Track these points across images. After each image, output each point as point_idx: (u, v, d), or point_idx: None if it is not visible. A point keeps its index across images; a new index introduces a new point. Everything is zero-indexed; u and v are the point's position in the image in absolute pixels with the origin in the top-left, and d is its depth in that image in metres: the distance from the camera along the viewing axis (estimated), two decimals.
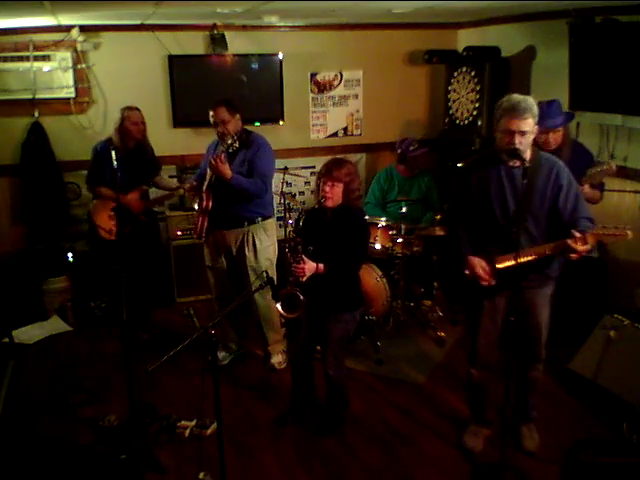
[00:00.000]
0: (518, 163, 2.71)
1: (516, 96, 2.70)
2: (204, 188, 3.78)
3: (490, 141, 2.93)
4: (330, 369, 3.23)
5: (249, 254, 3.85)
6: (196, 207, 3.90)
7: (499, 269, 2.78)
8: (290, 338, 3.41)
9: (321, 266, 3.01)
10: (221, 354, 4.05)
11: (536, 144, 3.24)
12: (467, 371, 3.16)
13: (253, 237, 3.84)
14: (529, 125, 2.65)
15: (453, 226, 3.04)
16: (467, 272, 2.85)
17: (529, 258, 2.71)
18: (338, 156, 3.31)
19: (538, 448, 3.10)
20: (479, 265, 2.81)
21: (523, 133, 2.65)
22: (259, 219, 3.85)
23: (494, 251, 2.80)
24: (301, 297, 2.99)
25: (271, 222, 3.99)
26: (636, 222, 4.03)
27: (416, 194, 4.90)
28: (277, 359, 4.05)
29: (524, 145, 2.67)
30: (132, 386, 3.17)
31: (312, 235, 3.16)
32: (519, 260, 2.66)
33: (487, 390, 3.13)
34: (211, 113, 3.73)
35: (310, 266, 3.00)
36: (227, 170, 3.58)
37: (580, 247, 2.55)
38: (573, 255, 2.60)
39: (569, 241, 2.56)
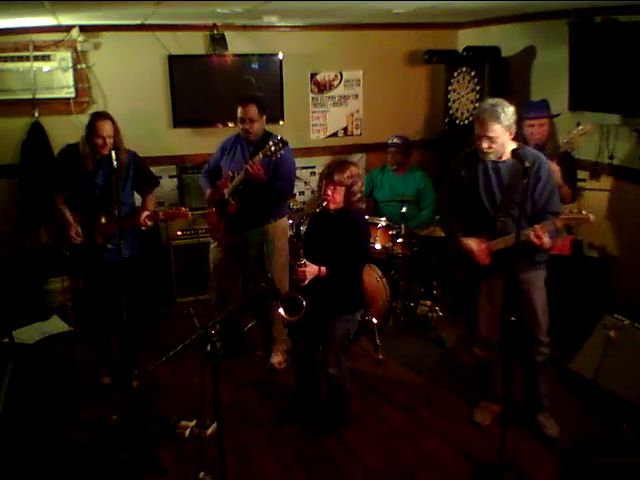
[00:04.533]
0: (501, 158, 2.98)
1: (486, 103, 2.94)
2: (229, 193, 3.74)
3: None
4: (331, 368, 3.23)
5: (268, 254, 3.87)
6: (222, 216, 3.85)
7: (491, 252, 3.03)
8: (293, 337, 3.43)
9: (323, 269, 3.02)
10: (219, 344, 4.06)
11: (524, 139, 3.62)
12: (471, 350, 3.39)
13: (273, 237, 3.87)
14: (494, 131, 2.88)
15: (445, 215, 3.30)
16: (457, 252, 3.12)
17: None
18: (338, 156, 3.32)
19: (538, 440, 3.16)
20: (474, 243, 3.05)
21: (490, 138, 2.89)
22: (278, 218, 3.91)
23: (485, 235, 3.04)
24: (303, 301, 3.00)
25: (286, 220, 4.09)
26: (636, 222, 4.04)
27: (409, 193, 4.83)
28: (277, 359, 4.04)
29: (494, 148, 2.92)
30: (132, 386, 3.17)
31: (315, 237, 3.16)
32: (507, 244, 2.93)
33: (492, 367, 3.31)
34: (240, 109, 3.73)
35: (312, 269, 3.01)
36: (263, 175, 3.59)
37: (535, 240, 2.81)
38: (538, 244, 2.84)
39: (527, 232, 2.82)
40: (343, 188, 3.04)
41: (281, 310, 3.07)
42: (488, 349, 3.25)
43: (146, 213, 3.50)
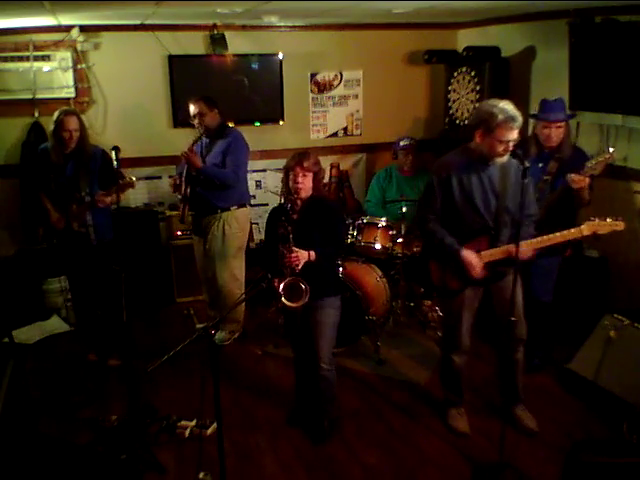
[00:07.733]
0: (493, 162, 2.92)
1: (509, 106, 2.83)
2: (183, 178, 4.09)
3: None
4: (324, 363, 3.16)
5: (217, 239, 4.11)
6: (179, 196, 4.21)
7: (487, 262, 2.97)
8: (287, 336, 3.42)
9: (312, 253, 3.03)
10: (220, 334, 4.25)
11: (537, 139, 3.48)
12: (445, 357, 3.31)
13: (224, 223, 4.09)
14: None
15: (426, 223, 3.10)
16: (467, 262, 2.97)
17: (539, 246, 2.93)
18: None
19: (538, 440, 3.15)
20: (472, 258, 2.95)
21: (514, 141, 2.83)
22: (234, 207, 4.11)
23: (485, 243, 2.97)
24: (303, 286, 2.98)
25: (244, 211, 4.22)
26: (636, 223, 4.04)
27: (415, 194, 4.88)
28: (221, 335, 4.23)
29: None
30: (132, 386, 3.17)
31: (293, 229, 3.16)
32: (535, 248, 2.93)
33: (463, 372, 3.31)
34: (190, 106, 4.02)
35: (303, 254, 3.01)
36: (197, 160, 3.95)
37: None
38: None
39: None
40: (311, 175, 3.09)
41: (283, 298, 3.03)
42: (464, 355, 3.24)
43: (100, 192, 3.67)
